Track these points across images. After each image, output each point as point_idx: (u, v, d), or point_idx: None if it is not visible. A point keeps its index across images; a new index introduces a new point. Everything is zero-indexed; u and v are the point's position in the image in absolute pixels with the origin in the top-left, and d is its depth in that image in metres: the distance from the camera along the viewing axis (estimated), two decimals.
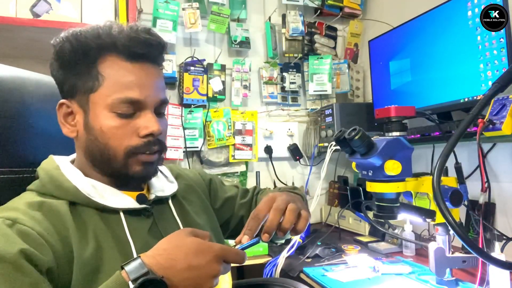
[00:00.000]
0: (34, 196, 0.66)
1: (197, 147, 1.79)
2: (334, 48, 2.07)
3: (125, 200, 0.70)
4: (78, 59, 0.67)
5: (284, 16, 1.94)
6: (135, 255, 0.65)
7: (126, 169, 0.69)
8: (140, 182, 0.76)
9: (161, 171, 0.84)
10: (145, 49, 0.68)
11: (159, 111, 0.73)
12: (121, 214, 0.68)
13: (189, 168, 1.79)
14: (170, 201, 0.79)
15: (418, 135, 1.34)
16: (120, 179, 0.72)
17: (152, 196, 0.75)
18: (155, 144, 0.70)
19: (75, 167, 0.71)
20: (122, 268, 0.54)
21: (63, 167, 0.69)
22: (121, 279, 0.53)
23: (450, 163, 0.92)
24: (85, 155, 0.71)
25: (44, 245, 0.58)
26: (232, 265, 0.62)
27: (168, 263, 0.55)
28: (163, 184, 0.81)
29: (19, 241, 0.55)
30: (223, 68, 1.86)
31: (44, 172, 0.69)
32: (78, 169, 0.71)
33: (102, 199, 0.67)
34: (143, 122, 0.68)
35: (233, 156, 1.85)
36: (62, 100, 0.71)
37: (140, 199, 0.73)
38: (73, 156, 0.77)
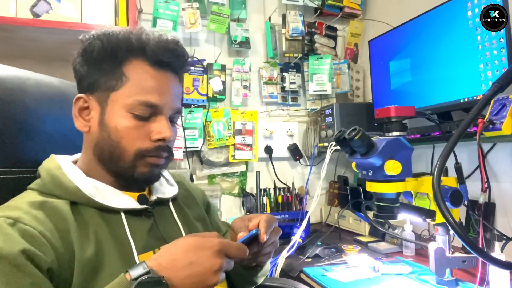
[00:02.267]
0: (36, 196, 0.66)
1: (197, 147, 1.79)
2: (334, 48, 2.07)
3: (126, 200, 0.70)
4: (106, 57, 0.69)
5: (284, 16, 1.94)
6: (135, 255, 0.66)
7: (132, 170, 0.69)
8: (144, 184, 0.77)
9: (162, 174, 0.84)
10: (171, 58, 0.71)
11: (172, 119, 0.75)
12: (122, 214, 0.69)
13: (189, 168, 1.80)
14: (170, 204, 0.80)
15: (418, 135, 1.34)
16: (124, 179, 0.72)
17: (153, 197, 0.76)
18: (165, 150, 0.71)
19: (77, 167, 0.72)
20: (127, 271, 0.55)
21: (65, 167, 0.70)
22: (124, 280, 0.54)
23: (450, 163, 0.92)
24: (94, 152, 0.71)
25: (46, 245, 0.58)
26: None
27: (168, 264, 0.55)
28: (164, 187, 0.81)
29: (20, 240, 0.56)
30: (223, 68, 1.86)
31: (46, 171, 0.69)
32: (81, 168, 0.71)
33: (103, 199, 0.68)
34: (157, 127, 0.70)
35: (233, 156, 1.85)
36: (80, 94, 0.72)
37: (141, 200, 0.73)
38: (75, 156, 0.77)
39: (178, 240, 0.60)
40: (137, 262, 0.65)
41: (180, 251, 0.57)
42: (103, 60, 0.69)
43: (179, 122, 1.73)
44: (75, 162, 0.75)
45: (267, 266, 0.89)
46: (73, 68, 0.73)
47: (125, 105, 0.68)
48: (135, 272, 0.54)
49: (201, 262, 0.56)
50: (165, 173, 0.86)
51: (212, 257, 0.56)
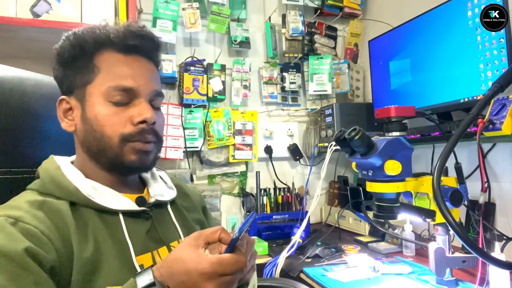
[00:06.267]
0: (35, 195, 0.66)
1: (197, 147, 1.79)
2: (334, 48, 2.07)
3: (124, 202, 0.70)
4: (76, 54, 0.70)
5: (284, 16, 1.94)
6: (133, 257, 0.66)
7: (121, 157, 0.69)
8: (136, 172, 0.77)
9: (161, 177, 0.84)
10: (137, 40, 0.72)
11: (154, 104, 0.74)
12: (120, 215, 0.69)
13: (189, 168, 1.80)
14: (169, 206, 0.80)
15: (418, 135, 1.34)
16: (116, 170, 0.72)
17: (151, 200, 0.76)
18: (149, 133, 0.71)
19: (76, 168, 0.72)
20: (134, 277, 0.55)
21: (64, 168, 0.70)
22: (134, 286, 0.54)
23: (450, 163, 0.92)
24: (83, 149, 0.72)
25: (48, 244, 0.58)
26: None
27: (168, 275, 0.55)
28: (162, 189, 0.81)
29: (23, 239, 0.56)
30: (223, 68, 1.86)
31: (45, 172, 0.69)
32: (79, 170, 0.71)
33: (101, 200, 0.68)
34: (137, 110, 0.70)
35: (233, 156, 1.85)
36: (62, 97, 0.73)
37: (139, 202, 0.73)
38: (72, 158, 0.77)
39: (178, 250, 0.57)
40: (135, 263, 0.65)
41: (176, 265, 0.55)
42: (75, 58, 0.71)
43: (178, 122, 1.74)
44: (73, 163, 0.75)
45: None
46: (53, 77, 0.75)
47: (100, 94, 0.69)
48: (141, 281, 0.54)
49: (190, 286, 0.53)
50: (164, 176, 0.86)
51: (201, 282, 0.52)
